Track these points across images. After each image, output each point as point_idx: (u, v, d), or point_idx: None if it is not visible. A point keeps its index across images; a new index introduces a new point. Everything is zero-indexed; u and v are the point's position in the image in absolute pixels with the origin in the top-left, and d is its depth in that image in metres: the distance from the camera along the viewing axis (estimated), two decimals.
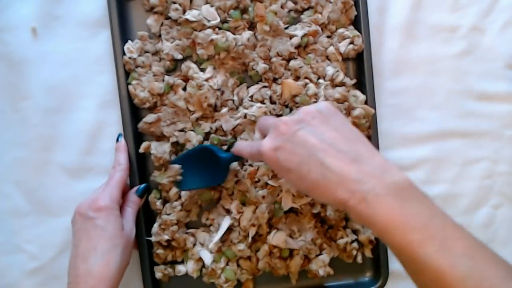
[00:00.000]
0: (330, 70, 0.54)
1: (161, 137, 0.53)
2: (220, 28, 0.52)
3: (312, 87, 0.53)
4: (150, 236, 0.52)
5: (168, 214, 0.52)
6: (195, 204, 0.54)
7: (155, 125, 0.52)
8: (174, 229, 0.52)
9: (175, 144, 0.52)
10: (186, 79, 0.53)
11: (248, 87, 0.54)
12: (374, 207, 0.34)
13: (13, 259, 0.54)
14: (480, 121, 0.59)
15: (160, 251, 0.53)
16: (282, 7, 0.53)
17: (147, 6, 0.52)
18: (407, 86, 0.58)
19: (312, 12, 0.54)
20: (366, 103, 0.54)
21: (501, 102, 0.59)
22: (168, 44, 0.53)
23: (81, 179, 0.54)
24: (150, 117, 0.52)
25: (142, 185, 0.51)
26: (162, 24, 0.53)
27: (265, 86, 0.54)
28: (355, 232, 0.56)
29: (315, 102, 0.52)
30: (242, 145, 0.46)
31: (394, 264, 0.56)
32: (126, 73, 0.52)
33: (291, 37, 0.53)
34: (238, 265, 0.54)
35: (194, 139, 0.51)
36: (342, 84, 0.54)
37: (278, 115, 0.54)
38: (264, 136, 0.42)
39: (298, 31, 0.53)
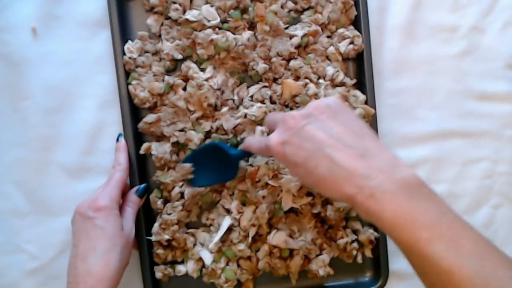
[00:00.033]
0: (330, 70, 0.54)
1: (161, 137, 0.53)
2: (220, 28, 0.52)
3: (312, 87, 0.53)
4: (150, 235, 0.52)
5: (169, 214, 0.52)
6: (196, 205, 0.54)
7: (155, 125, 0.52)
8: (175, 228, 0.52)
9: (176, 144, 0.52)
10: (186, 79, 0.53)
11: (248, 87, 0.54)
12: (382, 203, 0.34)
13: (13, 259, 0.54)
14: (480, 121, 0.59)
15: (160, 251, 0.53)
16: (282, 7, 0.53)
17: (147, 6, 0.52)
18: (407, 86, 0.58)
19: (312, 12, 0.54)
20: (366, 103, 0.54)
21: (501, 102, 0.59)
22: (168, 44, 0.53)
23: (81, 179, 0.54)
24: (150, 117, 0.52)
25: (142, 185, 0.51)
26: (162, 24, 0.53)
27: (265, 86, 0.54)
28: (355, 232, 0.56)
29: None
30: (251, 141, 0.46)
31: (394, 264, 0.56)
32: (126, 73, 0.52)
33: (291, 37, 0.53)
34: (238, 265, 0.54)
35: (195, 138, 0.51)
36: (342, 84, 0.54)
37: None
38: (272, 131, 0.42)
39: (298, 31, 0.53)
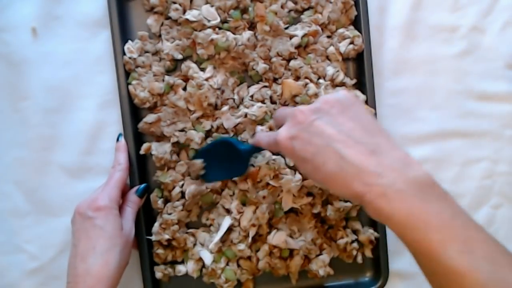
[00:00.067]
0: (330, 70, 0.54)
1: (161, 137, 0.53)
2: (220, 28, 0.52)
3: (312, 87, 0.53)
4: (151, 235, 0.52)
5: (169, 214, 0.52)
6: (196, 205, 0.54)
7: (155, 125, 0.52)
8: (175, 228, 0.52)
9: (176, 144, 0.52)
10: (186, 79, 0.53)
11: (248, 87, 0.54)
12: (394, 202, 0.33)
13: (13, 259, 0.54)
14: (480, 121, 0.59)
15: (160, 251, 0.53)
16: (282, 7, 0.53)
17: (147, 6, 0.52)
18: (407, 86, 0.58)
19: (312, 12, 0.54)
20: (366, 103, 0.54)
21: (501, 102, 0.59)
22: (168, 44, 0.53)
23: (81, 179, 0.54)
24: (150, 117, 0.52)
25: (142, 185, 0.51)
26: (162, 24, 0.53)
27: (265, 86, 0.54)
28: (355, 232, 0.56)
29: None
30: (260, 136, 0.46)
31: (394, 264, 0.56)
32: (126, 73, 0.52)
33: (291, 37, 0.53)
34: (238, 265, 0.54)
35: (196, 137, 0.51)
36: (342, 84, 0.54)
37: None
38: (281, 126, 0.41)
39: (298, 31, 0.53)
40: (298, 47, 0.54)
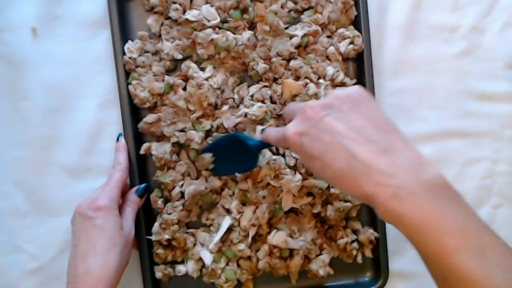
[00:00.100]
0: (330, 70, 0.54)
1: (161, 137, 0.53)
2: (220, 28, 0.52)
3: (312, 87, 0.53)
4: (150, 235, 0.52)
5: (169, 214, 0.52)
6: (196, 205, 0.54)
7: (155, 125, 0.52)
8: (175, 228, 0.52)
9: (176, 144, 0.52)
10: (186, 78, 0.53)
11: (248, 87, 0.54)
12: (406, 204, 0.31)
13: (13, 259, 0.54)
14: (480, 121, 0.59)
15: (160, 250, 0.53)
16: (282, 7, 0.53)
17: (147, 6, 0.52)
18: (407, 86, 0.58)
19: (312, 12, 0.54)
20: None
21: (501, 102, 0.59)
22: (168, 44, 0.53)
23: (81, 179, 0.54)
24: (150, 117, 0.52)
25: (142, 185, 0.51)
26: (162, 24, 0.53)
27: (265, 86, 0.54)
28: (355, 232, 0.56)
29: None
30: (269, 131, 0.45)
31: (394, 264, 0.56)
32: (126, 73, 0.52)
33: (291, 37, 0.53)
34: (238, 265, 0.54)
35: (196, 137, 0.51)
36: (342, 84, 0.54)
37: (279, 115, 0.54)
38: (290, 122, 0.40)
39: (298, 31, 0.53)
40: (298, 47, 0.54)
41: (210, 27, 0.52)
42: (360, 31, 0.54)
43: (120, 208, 0.48)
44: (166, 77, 0.52)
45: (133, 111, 0.52)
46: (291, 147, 0.38)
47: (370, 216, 0.56)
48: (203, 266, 0.53)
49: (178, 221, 0.52)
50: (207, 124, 0.52)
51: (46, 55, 0.53)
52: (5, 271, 0.54)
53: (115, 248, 0.44)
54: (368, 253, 0.55)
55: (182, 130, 0.52)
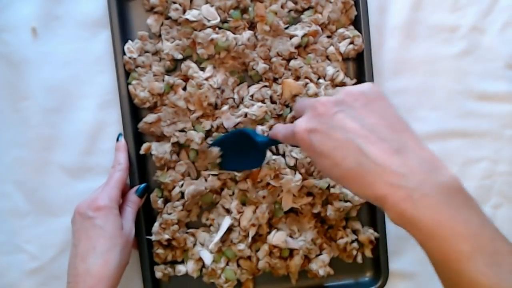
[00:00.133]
0: (330, 70, 0.54)
1: (161, 137, 0.53)
2: (220, 28, 0.52)
3: (312, 87, 0.53)
4: (150, 235, 0.52)
5: (169, 214, 0.52)
6: (196, 205, 0.54)
7: (155, 125, 0.52)
8: (175, 228, 0.52)
9: (176, 144, 0.52)
10: (186, 78, 0.53)
11: (248, 86, 0.54)
12: (420, 208, 0.30)
13: (13, 259, 0.54)
14: (480, 121, 0.59)
15: (160, 250, 0.53)
16: (282, 7, 0.53)
17: (147, 6, 0.52)
18: (407, 86, 0.58)
19: (312, 12, 0.54)
20: None
21: (501, 102, 0.59)
22: (168, 44, 0.53)
23: (81, 179, 0.54)
24: (150, 117, 0.52)
25: (142, 185, 0.51)
26: (162, 24, 0.53)
27: (265, 86, 0.54)
28: (355, 232, 0.56)
29: None
30: (277, 128, 0.44)
31: (394, 264, 0.56)
32: (126, 73, 0.52)
33: (291, 37, 0.53)
34: (238, 265, 0.54)
35: (196, 137, 0.51)
36: (342, 84, 0.54)
37: (279, 115, 0.54)
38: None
39: (298, 31, 0.53)
40: (298, 47, 0.54)
41: (210, 27, 0.52)
42: (360, 31, 0.54)
43: (120, 208, 0.48)
44: (166, 77, 0.52)
45: (133, 111, 0.52)
46: (300, 143, 0.37)
47: (370, 216, 0.56)
48: (203, 266, 0.53)
49: (178, 221, 0.52)
50: (207, 124, 0.52)
51: (46, 55, 0.53)
52: (5, 271, 0.54)
53: (115, 248, 0.44)
54: (368, 253, 0.55)
55: (182, 130, 0.52)
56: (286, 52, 0.53)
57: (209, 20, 0.51)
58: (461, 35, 0.58)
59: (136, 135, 0.52)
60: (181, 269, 0.54)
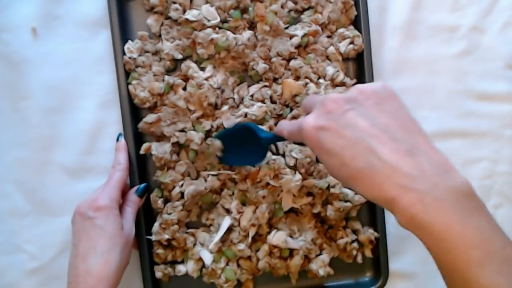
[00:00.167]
0: (330, 70, 0.54)
1: (161, 137, 0.53)
2: (220, 28, 0.52)
3: (312, 87, 0.53)
4: (151, 235, 0.52)
5: (169, 214, 0.52)
6: (196, 205, 0.54)
7: (156, 125, 0.52)
8: (175, 228, 0.52)
9: (176, 144, 0.52)
10: (186, 78, 0.53)
11: (248, 86, 0.54)
12: (432, 212, 0.29)
13: (13, 259, 0.54)
14: (480, 121, 0.59)
15: (160, 250, 0.53)
16: (282, 7, 0.53)
17: (147, 6, 0.52)
18: (407, 86, 0.58)
19: (312, 12, 0.54)
20: None
21: (501, 102, 0.59)
22: (168, 44, 0.53)
23: (81, 179, 0.54)
24: (150, 117, 0.52)
25: (142, 185, 0.51)
26: (162, 24, 0.53)
27: (265, 86, 0.54)
28: (355, 232, 0.56)
29: None
30: (283, 124, 0.42)
31: (394, 264, 0.56)
32: (126, 73, 0.52)
33: (291, 37, 0.53)
34: (238, 265, 0.54)
35: (196, 138, 0.51)
36: (342, 84, 0.54)
37: (279, 115, 0.54)
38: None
39: (298, 31, 0.53)
40: (298, 47, 0.54)
41: (210, 27, 0.52)
42: (360, 31, 0.54)
43: (120, 208, 0.48)
44: (166, 77, 0.52)
45: (133, 111, 0.52)
46: (307, 141, 0.35)
47: (370, 216, 0.56)
48: (203, 266, 0.53)
49: (178, 221, 0.52)
50: (207, 124, 0.52)
51: (46, 55, 0.53)
52: (5, 271, 0.54)
53: (115, 248, 0.44)
54: (368, 253, 0.55)
55: (182, 130, 0.52)
56: (286, 52, 0.53)
57: (209, 20, 0.51)
58: (461, 35, 0.58)
59: (136, 135, 0.52)
60: (181, 269, 0.54)
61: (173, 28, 0.53)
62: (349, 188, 0.54)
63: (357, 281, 0.57)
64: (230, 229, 0.53)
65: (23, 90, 0.53)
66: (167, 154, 0.52)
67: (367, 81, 0.54)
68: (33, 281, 0.54)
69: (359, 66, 0.55)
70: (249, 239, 0.52)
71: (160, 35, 0.53)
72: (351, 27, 0.55)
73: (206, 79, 0.52)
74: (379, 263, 0.55)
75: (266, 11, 0.52)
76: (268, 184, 0.52)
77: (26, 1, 0.53)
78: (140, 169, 0.53)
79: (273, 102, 0.54)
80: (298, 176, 0.52)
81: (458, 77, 0.58)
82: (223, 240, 0.53)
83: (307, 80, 0.53)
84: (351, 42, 0.54)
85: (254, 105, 0.52)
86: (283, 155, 0.53)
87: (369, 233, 0.55)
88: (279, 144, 0.53)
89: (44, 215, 0.54)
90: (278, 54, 0.53)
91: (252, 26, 0.53)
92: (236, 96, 0.53)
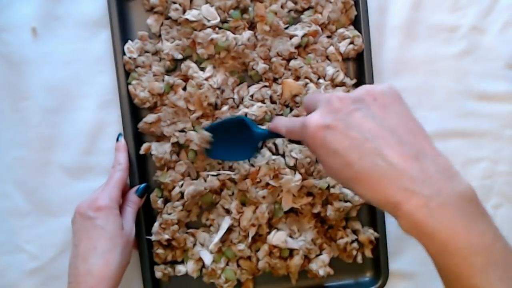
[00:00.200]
0: (330, 70, 0.54)
1: (161, 137, 0.53)
2: (220, 28, 0.52)
3: (312, 87, 0.53)
4: (150, 235, 0.52)
5: (169, 214, 0.52)
6: (196, 205, 0.54)
7: (155, 125, 0.52)
8: (175, 228, 0.52)
9: (176, 144, 0.52)
10: (186, 78, 0.53)
11: (248, 86, 0.54)
12: (437, 217, 0.29)
13: (13, 259, 0.54)
14: (480, 121, 0.59)
15: (160, 250, 0.53)
16: (282, 7, 0.53)
17: (147, 6, 0.52)
18: (407, 86, 0.58)
19: (312, 12, 0.54)
20: None
21: (501, 102, 0.59)
22: (168, 44, 0.53)
23: (81, 179, 0.54)
24: (150, 117, 0.52)
25: (142, 185, 0.51)
26: (162, 24, 0.53)
27: (265, 86, 0.54)
28: (355, 232, 0.56)
29: None
30: (280, 121, 0.41)
31: (394, 264, 0.56)
32: (126, 73, 0.52)
33: (291, 37, 0.53)
34: (238, 265, 0.54)
35: (195, 138, 0.51)
36: (342, 84, 0.54)
37: (279, 115, 0.54)
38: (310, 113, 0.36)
39: (298, 31, 0.53)
40: (298, 47, 0.54)
41: (210, 27, 0.52)
42: (360, 31, 0.54)
43: (120, 208, 0.48)
44: (166, 77, 0.52)
45: (133, 111, 0.52)
46: (310, 139, 0.34)
47: (370, 216, 0.56)
48: (203, 266, 0.53)
49: (178, 221, 0.52)
50: (207, 124, 0.52)
51: (46, 55, 0.53)
52: (5, 271, 0.54)
53: (116, 248, 0.44)
54: (368, 253, 0.55)
55: (182, 130, 0.52)
56: (286, 52, 0.53)
57: (209, 20, 0.51)
58: (461, 35, 0.58)
59: (136, 135, 0.53)
60: (181, 269, 0.54)
61: (173, 28, 0.53)
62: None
63: (357, 281, 0.57)
64: (230, 229, 0.53)
65: (23, 90, 0.53)
66: (167, 154, 0.52)
67: (367, 81, 0.54)
68: (33, 281, 0.54)
69: (359, 66, 0.55)
70: (249, 239, 0.52)
71: (160, 35, 0.53)
72: (351, 27, 0.55)
73: (206, 79, 0.52)
74: (379, 263, 0.55)
75: (266, 11, 0.52)
76: (268, 184, 0.52)
77: (26, 1, 0.53)
78: (140, 169, 0.53)
79: (273, 102, 0.54)
80: (298, 176, 0.52)
81: (458, 77, 0.58)
82: (223, 240, 0.53)
83: (307, 80, 0.53)
84: (351, 42, 0.54)
85: (254, 105, 0.52)
86: (283, 155, 0.53)
87: (369, 233, 0.55)
88: (279, 144, 0.53)
89: (44, 215, 0.54)
90: (278, 54, 0.53)
91: (252, 26, 0.53)
92: (236, 96, 0.53)
